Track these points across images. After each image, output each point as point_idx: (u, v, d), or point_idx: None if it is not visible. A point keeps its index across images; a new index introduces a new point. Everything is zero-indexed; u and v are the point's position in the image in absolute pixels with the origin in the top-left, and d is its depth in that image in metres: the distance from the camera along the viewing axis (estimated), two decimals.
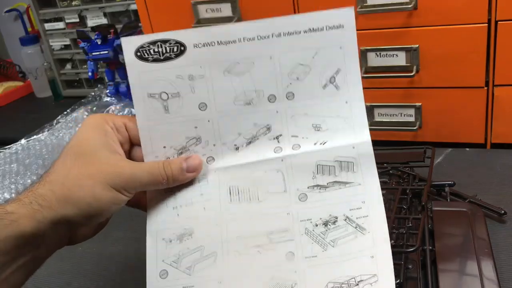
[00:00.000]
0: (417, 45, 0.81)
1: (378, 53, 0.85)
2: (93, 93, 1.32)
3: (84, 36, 1.18)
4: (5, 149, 1.11)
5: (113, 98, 1.25)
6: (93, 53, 1.15)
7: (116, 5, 1.30)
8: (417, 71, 0.83)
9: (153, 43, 0.46)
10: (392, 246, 0.46)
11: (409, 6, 0.78)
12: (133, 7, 1.25)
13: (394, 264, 0.45)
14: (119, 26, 1.21)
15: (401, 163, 0.75)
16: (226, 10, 0.93)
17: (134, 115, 0.47)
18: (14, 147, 1.11)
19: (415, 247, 0.53)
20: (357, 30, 0.47)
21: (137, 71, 0.46)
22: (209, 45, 0.46)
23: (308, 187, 0.47)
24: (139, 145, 0.47)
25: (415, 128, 0.87)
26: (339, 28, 0.46)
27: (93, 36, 1.17)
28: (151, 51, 0.46)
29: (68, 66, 1.51)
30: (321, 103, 0.47)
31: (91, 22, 1.35)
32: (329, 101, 0.47)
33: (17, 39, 1.56)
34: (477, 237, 0.58)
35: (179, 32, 0.46)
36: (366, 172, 0.47)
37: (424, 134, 0.88)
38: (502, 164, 0.78)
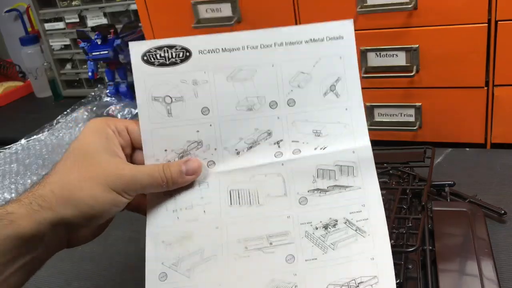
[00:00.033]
0: (417, 45, 0.81)
1: (378, 53, 0.85)
2: (93, 93, 1.32)
3: (84, 36, 1.18)
4: (5, 149, 1.11)
5: (113, 98, 1.25)
6: (93, 53, 1.15)
7: (116, 5, 1.30)
8: (417, 71, 0.83)
9: (160, 48, 0.47)
10: (392, 246, 0.46)
11: (409, 6, 0.78)
12: (133, 7, 1.25)
13: (394, 264, 0.45)
14: (119, 26, 1.21)
15: (401, 163, 0.75)
16: (226, 10, 0.93)
17: (136, 117, 0.47)
18: (14, 147, 1.11)
19: (415, 247, 0.53)
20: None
21: (142, 75, 0.47)
22: (214, 52, 0.47)
23: (308, 191, 0.47)
24: (140, 148, 0.48)
25: (415, 128, 0.87)
26: (338, 39, 0.48)
27: (93, 36, 1.17)
28: (158, 55, 0.47)
29: (68, 66, 1.51)
30: (321, 110, 0.48)
31: (91, 22, 1.35)
32: (330, 108, 0.48)
33: (17, 39, 1.56)
34: (477, 237, 0.58)
35: (185, 39, 0.47)
36: (366, 175, 0.47)
37: (424, 134, 0.88)
38: (502, 164, 0.78)
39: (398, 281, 0.51)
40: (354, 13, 0.82)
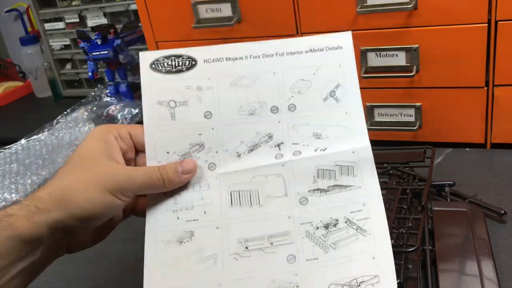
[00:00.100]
0: (417, 45, 0.81)
1: (378, 53, 0.85)
2: (93, 93, 1.32)
3: (84, 36, 1.18)
4: (5, 149, 1.11)
5: (113, 98, 1.25)
6: (93, 53, 1.15)
7: (116, 5, 1.30)
8: (417, 71, 0.83)
9: (168, 57, 0.50)
10: (392, 246, 0.46)
11: (409, 6, 0.78)
12: (133, 7, 1.25)
13: (394, 264, 0.45)
14: (119, 26, 1.21)
15: (401, 163, 0.75)
16: (226, 10, 0.93)
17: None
18: (14, 147, 1.11)
19: (415, 247, 0.53)
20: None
21: (150, 81, 0.50)
22: (218, 61, 0.50)
23: (308, 191, 0.48)
24: (144, 152, 0.49)
25: (415, 128, 0.87)
26: (338, 49, 0.51)
27: (93, 36, 1.17)
28: (165, 64, 0.50)
29: (68, 66, 1.51)
30: (321, 114, 0.50)
31: (91, 22, 1.35)
32: (330, 112, 0.50)
33: (17, 39, 1.56)
34: (477, 237, 0.58)
35: (192, 49, 0.50)
36: (366, 175, 0.48)
37: (424, 134, 0.88)
38: (502, 164, 0.78)
39: (398, 281, 0.51)
40: (354, 13, 0.82)
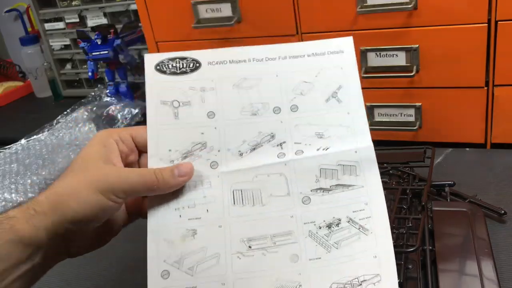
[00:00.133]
0: (417, 45, 0.81)
1: (378, 53, 0.85)
2: (93, 93, 1.32)
3: (84, 36, 1.18)
4: (5, 149, 1.11)
5: (113, 98, 1.25)
6: (93, 53, 1.15)
7: (116, 5, 1.30)
8: (417, 71, 0.83)
9: (172, 59, 0.51)
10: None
11: (409, 6, 0.78)
12: (133, 7, 1.25)
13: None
14: (119, 26, 1.21)
15: (401, 163, 0.75)
16: (226, 10, 0.93)
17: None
18: (14, 147, 1.11)
19: (415, 247, 0.53)
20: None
21: (154, 81, 0.50)
22: (222, 63, 0.51)
23: (311, 190, 0.48)
24: (147, 152, 0.49)
25: (415, 128, 0.87)
26: (339, 53, 0.52)
27: (93, 36, 1.17)
28: (170, 65, 0.51)
29: (68, 66, 1.51)
30: (324, 114, 0.50)
31: (91, 22, 1.35)
32: (332, 112, 0.50)
33: (17, 39, 1.56)
34: (477, 237, 0.58)
35: (196, 52, 0.51)
36: (369, 174, 0.48)
37: (424, 134, 0.88)
38: (502, 164, 0.78)
39: (398, 281, 0.51)
40: (354, 13, 0.82)
